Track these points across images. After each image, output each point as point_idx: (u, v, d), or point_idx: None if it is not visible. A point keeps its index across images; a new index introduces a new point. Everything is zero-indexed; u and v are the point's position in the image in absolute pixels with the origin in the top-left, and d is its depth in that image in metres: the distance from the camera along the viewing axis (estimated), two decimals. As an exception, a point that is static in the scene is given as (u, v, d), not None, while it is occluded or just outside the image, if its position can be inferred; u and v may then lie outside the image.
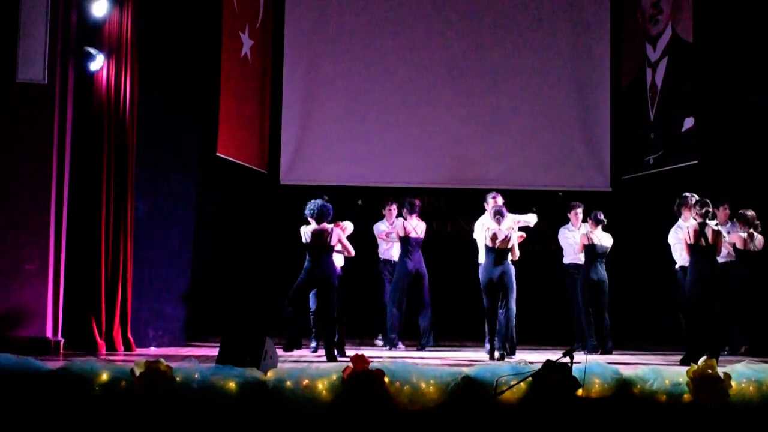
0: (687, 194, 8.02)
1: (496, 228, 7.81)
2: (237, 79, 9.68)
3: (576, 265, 8.72)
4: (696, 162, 9.17)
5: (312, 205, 7.63)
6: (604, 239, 8.52)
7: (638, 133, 10.40)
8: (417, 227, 8.76)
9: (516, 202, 9.18)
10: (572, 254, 8.77)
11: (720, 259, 7.82)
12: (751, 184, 9.04)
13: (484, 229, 8.01)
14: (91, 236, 7.55)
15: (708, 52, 9.26)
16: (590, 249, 8.45)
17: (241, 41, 9.84)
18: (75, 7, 7.63)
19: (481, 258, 8.02)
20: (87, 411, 5.02)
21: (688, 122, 9.33)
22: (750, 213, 8.35)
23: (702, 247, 7.42)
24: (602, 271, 8.49)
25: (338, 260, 8.00)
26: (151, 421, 4.99)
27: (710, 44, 9.24)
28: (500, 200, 8.29)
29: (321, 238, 7.51)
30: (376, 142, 10.65)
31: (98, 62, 7.63)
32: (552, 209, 9.95)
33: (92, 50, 7.60)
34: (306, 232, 7.58)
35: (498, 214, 7.87)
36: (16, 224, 7.29)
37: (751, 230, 8.32)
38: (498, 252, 7.77)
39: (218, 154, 9.20)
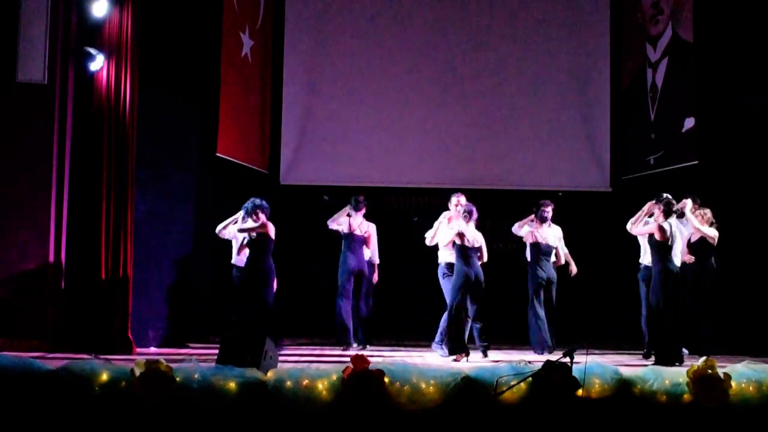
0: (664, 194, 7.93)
1: (465, 228, 7.84)
2: (237, 79, 9.68)
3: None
4: (696, 162, 9.16)
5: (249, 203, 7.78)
6: (549, 237, 8.49)
7: (638, 133, 10.39)
8: (361, 225, 8.69)
9: (516, 202, 9.19)
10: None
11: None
12: (752, 184, 9.03)
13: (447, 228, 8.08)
14: (91, 236, 7.54)
15: (708, 53, 9.25)
16: (535, 247, 8.44)
17: (241, 41, 9.83)
18: (75, 7, 7.63)
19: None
20: (87, 411, 5.02)
21: (689, 122, 9.32)
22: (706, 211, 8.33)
23: (668, 246, 7.42)
24: (550, 269, 8.48)
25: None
26: (151, 421, 4.99)
27: (710, 45, 9.23)
28: (463, 200, 8.28)
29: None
30: (376, 143, 10.66)
31: (98, 62, 7.63)
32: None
33: (92, 50, 7.60)
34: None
35: (468, 214, 7.92)
36: (16, 224, 7.30)
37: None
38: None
39: (218, 154, 9.20)
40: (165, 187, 8.58)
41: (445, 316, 8.00)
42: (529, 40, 10.76)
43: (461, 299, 7.74)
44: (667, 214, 7.47)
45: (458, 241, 7.78)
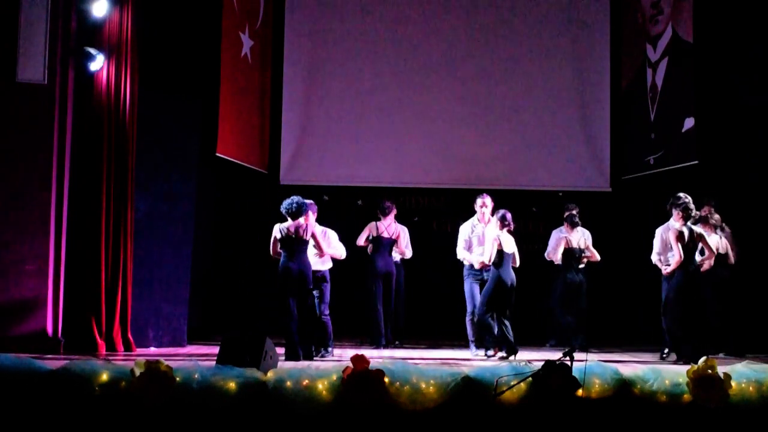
0: (680, 195, 7.91)
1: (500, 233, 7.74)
2: (237, 79, 9.69)
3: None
4: (696, 162, 9.16)
5: (288, 201, 7.48)
6: (581, 241, 8.74)
7: (638, 133, 10.40)
8: (389, 228, 8.83)
9: (516, 202, 9.19)
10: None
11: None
12: (751, 184, 9.03)
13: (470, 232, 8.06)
14: (91, 236, 7.54)
15: (708, 53, 9.26)
16: (568, 251, 8.67)
17: (241, 41, 9.84)
18: (75, 7, 7.62)
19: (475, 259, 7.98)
20: (87, 411, 5.01)
21: (689, 122, 9.32)
22: (716, 216, 8.29)
23: (687, 250, 7.43)
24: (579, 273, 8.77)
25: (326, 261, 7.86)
26: (151, 421, 4.99)
27: (710, 44, 9.24)
28: (489, 200, 8.24)
29: (297, 233, 7.43)
30: (376, 142, 10.67)
31: (98, 62, 7.63)
32: (552, 209, 9.96)
33: (92, 50, 7.60)
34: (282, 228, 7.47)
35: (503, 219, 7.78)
36: (17, 224, 7.29)
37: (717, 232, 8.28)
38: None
39: (218, 154, 9.21)
40: (165, 187, 8.56)
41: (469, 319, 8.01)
42: (529, 41, 10.78)
43: (489, 305, 7.63)
44: (686, 218, 7.45)
45: (497, 247, 7.65)
